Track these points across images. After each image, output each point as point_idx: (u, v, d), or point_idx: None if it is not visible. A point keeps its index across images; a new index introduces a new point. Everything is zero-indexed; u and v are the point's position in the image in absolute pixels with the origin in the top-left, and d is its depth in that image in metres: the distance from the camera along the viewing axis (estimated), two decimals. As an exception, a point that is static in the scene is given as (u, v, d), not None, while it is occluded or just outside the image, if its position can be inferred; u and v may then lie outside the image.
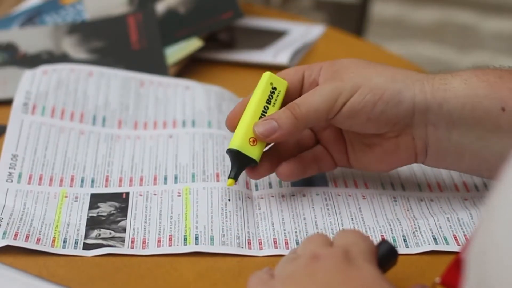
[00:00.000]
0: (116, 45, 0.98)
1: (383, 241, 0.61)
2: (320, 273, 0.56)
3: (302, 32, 1.07)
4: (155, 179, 0.77)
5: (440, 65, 2.17)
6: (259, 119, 0.72)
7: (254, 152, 0.72)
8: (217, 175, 0.77)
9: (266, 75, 0.73)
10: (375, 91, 0.69)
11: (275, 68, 1.00)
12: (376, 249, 0.60)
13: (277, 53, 1.01)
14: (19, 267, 0.67)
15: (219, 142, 0.82)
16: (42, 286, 0.65)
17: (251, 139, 0.71)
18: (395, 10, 2.29)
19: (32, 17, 1.05)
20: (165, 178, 0.77)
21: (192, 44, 0.98)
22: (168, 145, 0.82)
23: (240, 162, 0.72)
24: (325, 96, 0.69)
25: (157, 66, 0.95)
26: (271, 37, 1.06)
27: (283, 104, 0.73)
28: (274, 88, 0.73)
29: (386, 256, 0.60)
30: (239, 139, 0.71)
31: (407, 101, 0.69)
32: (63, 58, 0.96)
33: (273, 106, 0.73)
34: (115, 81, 0.90)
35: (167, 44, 0.98)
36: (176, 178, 0.77)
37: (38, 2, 1.09)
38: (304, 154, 0.75)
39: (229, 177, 0.72)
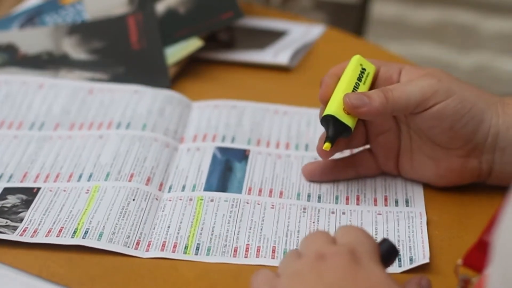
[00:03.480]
0: (116, 46, 0.98)
1: (385, 240, 0.61)
2: (327, 273, 0.55)
3: (302, 32, 1.07)
4: (70, 176, 0.79)
5: (440, 65, 2.17)
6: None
7: (349, 120, 0.72)
8: (131, 175, 0.78)
9: (356, 57, 0.75)
10: (465, 103, 0.71)
11: (275, 68, 1.00)
12: (378, 247, 0.60)
13: (277, 53, 1.01)
14: (19, 267, 0.67)
15: (146, 145, 0.82)
16: (42, 286, 0.65)
17: (345, 110, 0.72)
18: (395, 10, 2.29)
19: (32, 17, 1.05)
20: (80, 176, 0.79)
21: (192, 44, 0.98)
22: (95, 145, 0.83)
23: (335, 128, 0.72)
24: (421, 88, 0.70)
25: (157, 66, 0.95)
26: (271, 37, 1.06)
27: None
28: (364, 69, 0.75)
29: (387, 254, 0.60)
30: (334, 107, 0.72)
31: (486, 122, 0.71)
32: (64, 58, 0.96)
33: (364, 84, 0.74)
34: (65, 91, 0.91)
35: (167, 44, 0.98)
36: (90, 176, 0.78)
37: (38, 2, 1.09)
38: (338, 159, 0.76)
39: (325, 141, 0.72)
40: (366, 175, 0.77)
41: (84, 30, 1.00)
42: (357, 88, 0.73)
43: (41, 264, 0.68)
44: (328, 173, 0.77)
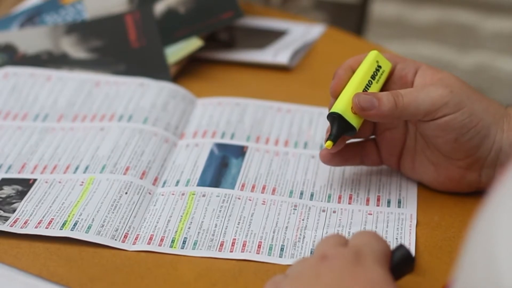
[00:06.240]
0: (115, 44, 0.98)
1: (400, 246, 0.60)
2: (325, 274, 0.55)
3: (302, 32, 1.07)
4: (67, 168, 0.79)
5: (440, 65, 2.16)
6: (362, 91, 0.72)
7: (354, 120, 0.71)
8: (127, 169, 0.78)
9: (374, 53, 0.74)
10: (473, 118, 0.71)
11: (275, 68, 1.00)
12: (391, 253, 0.59)
13: (277, 53, 1.01)
14: (19, 267, 0.67)
15: (145, 139, 0.82)
16: (42, 286, 0.65)
17: (353, 110, 0.71)
18: (395, 10, 2.28)
19: (32, 17, 1.05)
20: (77, 168, 0.79)
21: (192, 44, 0.98)
22: (95, 138, 0.83)
23: (340, 127, 0.72)
24: (432, 98, 0.70)
25: (158, 64, 0.95)
26: (271, 37, 1.06)
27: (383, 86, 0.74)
28: (379, 67, 0.74)
29: (401, 261, 0.59)
30: (342, 105, 0.71)
31: (491, 137, 0.71)
32: (63, 58, 0.96)
33: (377, 82, 0.73)
34: (72, 83, 0.91)
35: (167, 44, 0.98)
36: (86, 168, 0.78)
37: (38, 2, 1.08)
38: (351, 145, 0.76)
39: (327, 139, 0.72)
40: (369, 165, 0.78)
41: (81, 29, 1.00)
42: (369, 86, 0.73)
43: (41, 264, 0.68)
44: (338, 159, 0.76)
